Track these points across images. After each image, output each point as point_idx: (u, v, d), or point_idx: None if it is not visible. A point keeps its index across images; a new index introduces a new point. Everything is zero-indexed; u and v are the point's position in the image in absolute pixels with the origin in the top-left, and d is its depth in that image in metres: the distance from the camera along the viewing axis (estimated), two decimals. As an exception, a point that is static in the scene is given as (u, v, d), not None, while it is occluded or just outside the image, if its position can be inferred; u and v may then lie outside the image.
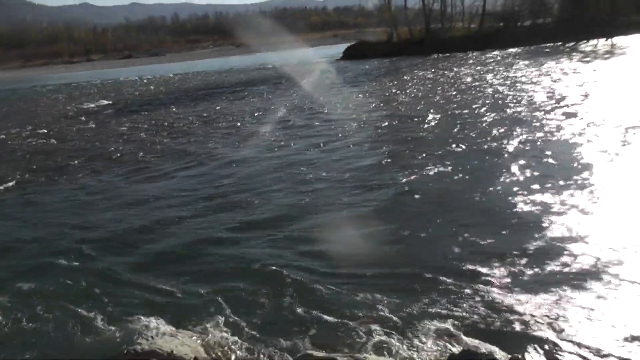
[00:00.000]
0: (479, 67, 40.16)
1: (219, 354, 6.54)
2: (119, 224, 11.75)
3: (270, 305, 7.61)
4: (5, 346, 7.06)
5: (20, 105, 45.88)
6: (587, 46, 49.28)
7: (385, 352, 6.27)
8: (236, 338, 6.86)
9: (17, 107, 44.32)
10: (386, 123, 20.49)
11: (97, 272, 9.21)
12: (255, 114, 26.70)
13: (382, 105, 25.77)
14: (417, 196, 11.59)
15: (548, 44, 54.77)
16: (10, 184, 16.43)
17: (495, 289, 7.39)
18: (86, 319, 7.59)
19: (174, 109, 32.52)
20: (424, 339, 6.44)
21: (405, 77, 38.13)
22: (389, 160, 14.94)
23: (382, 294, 7.58)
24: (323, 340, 6.67)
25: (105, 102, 41.64)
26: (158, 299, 8.09)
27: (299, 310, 7.41)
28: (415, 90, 29.99)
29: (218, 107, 31.13)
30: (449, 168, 13.42)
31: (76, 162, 18.82)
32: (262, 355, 6.47)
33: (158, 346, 6.12)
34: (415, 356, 6.16)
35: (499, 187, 11.58)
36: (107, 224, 11.84)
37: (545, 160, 13.23)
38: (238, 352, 6.60)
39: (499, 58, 46.90)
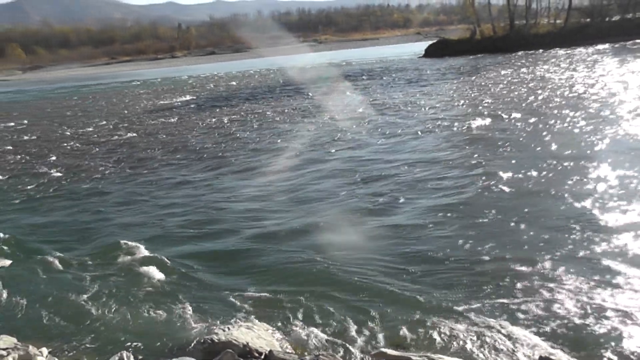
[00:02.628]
0: (563, 65, 38.65)
1: (294, 348, 6.50)
2: (195, 215, 12.02)
3: (345, 303, 7.54)
4: (86, 333, 7.25)
5: (106, 100, 47.89)
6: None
7: (460, 354, 6.12)
8: (311, 333, 6.84)
9: (103, 102, 46.28)
10: (467, 121, 19.99)
11: (175, 264, 9.41)
12: (334, 110, 26.67)
13: (462, 103, 25.21)
14: (496, 196, 11.31)
15: (638, 41, 51.97)
16: (95, 175, 17.10)
17: (576, 295, 7.11)
18: (164, 308, 7.77)
19: (254, 104, 33.02)
20: (502, 342, 6.25)
21: (487, 75, 37.20)
22: (469, 159, 14.59)
23: (460, 293, 7.46)
24: (398, 339, 6.58)
25: (188, 97, 42.81)
26: (234, 291, 8.16)
27: (374, 307, 7.32)
28: (496, 89, 29.14)
29: (297, 103, 31.35)
30: (530, 169, 12.95)
31: (158, 154, 19.40)
32: (337, 351, 6.40)
33: (234, 337, 6.15)
34: (491, 360, 5.97)
35: (581, 190, 11.04)
36: (183, 216, 12.14)
37: (630, 165, 12.47)
38: (313, 347, 6.56)
39: (585, 55, 45.00)
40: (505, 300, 7.15)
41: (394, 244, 9.34)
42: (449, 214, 10.49)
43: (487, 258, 8.44)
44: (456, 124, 19.80)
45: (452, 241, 9.22)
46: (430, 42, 75.84)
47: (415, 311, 7.11)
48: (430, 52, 69.67)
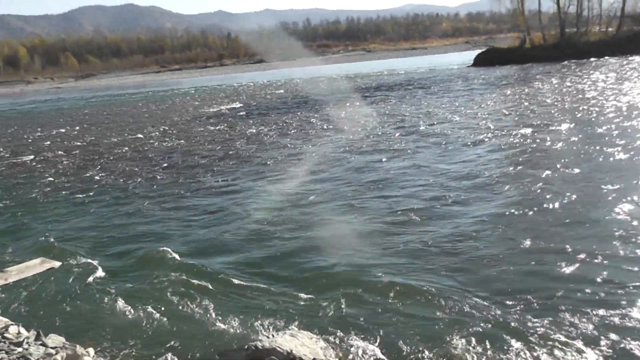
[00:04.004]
0: (614, 75, 37.68)
1: (337, 357, 6.47)
2: (240, 222, 12.15)
3: (394, 313, 7.46)
4: (131, 336, 7.38)
5: (156, 107, 48.92)
6: None
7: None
8: (356, 343, 6.79)
9: (153, 108, 47.30)
10: (516, 131, 19.64)
11: (219, 270, 9.49)
12: (380, 120, 26.65)
13: (511, 113, 24.77)
14: (539, 209, 11.03)
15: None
16: (142, 180, 17.46)
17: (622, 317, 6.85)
18: (208, 314, 7.84)
19: (302, 113, 33.22)
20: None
21: (536, 85, 36.56)
22: (519, 170, 14.32)
23: (517, 307, 7.30)
24: (444, 351, 6.47)
25: (236, 104, 43.39)
26: (278, 298, 8.18)
27: (423, 319, 7.23)
28: (546, 99, 28.55)
29: (342, 112, 31.40)
30: (584, 181, 12.64)
31: (205, 161, 19.70)
32: (381, 362, 6.32)
33: (278, 344, 6.15)
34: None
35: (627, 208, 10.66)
36: (228, 222, 12.26)
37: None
38: (357, 356, 6.51)
39: (638, 64, 43.67)
40: (562, 316, 6.98)
41: (442, 255, 9.22)
42: (498, 226, 10.30)
43: (532, 275, 8.25)
44: (505, 134, 19.48)
45: (503, 253, 9.04)
46: (479, 51, 75.41)
47: (462, 324, 6.99)
48: (479, 61, 69.17)
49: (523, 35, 70.76)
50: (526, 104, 27.48)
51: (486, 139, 18.90)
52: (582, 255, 8.57)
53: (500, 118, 23.61)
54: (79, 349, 6.19)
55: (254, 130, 26.96)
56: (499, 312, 7.18)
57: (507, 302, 7.43)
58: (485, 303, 7.44)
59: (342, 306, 7.75)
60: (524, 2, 71.67)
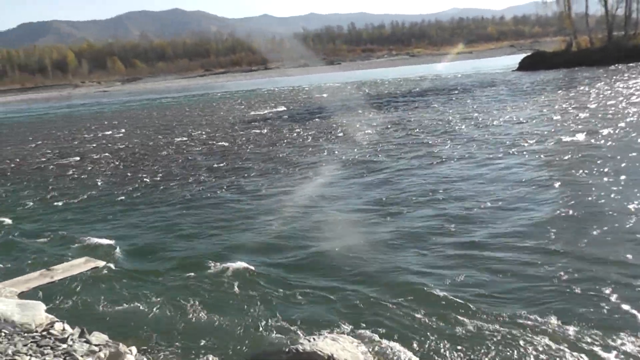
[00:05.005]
0: None
1: (378, 362, 6.42)
2: (282, 225, 12.18)
3: (437, 320, 7.35)
4: (172, 336, 7.45)
5: (200, 110, 49.60)
6: None
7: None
8: (397, 349, 6.70)
9: (197, 112, 47.96)
10: (561, 137, 19.21)
11: (261, 272, 9.53)
12: (422, 124, 26.47)
13: (556, 118, 24.22)
14: (584, 217, 10.73)
15: None
16: (187, 182, 17.70)
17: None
18: (248, 316, 7.88)
19: (344, 117, 33.16)
20: None
21: (583, 89, 35.72)
22: (563, 176, 14.02)
23: (560, 316, 7.13)
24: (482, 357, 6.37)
25: (280, 108, 43.66)
26: (319, 302, 8.17)
27: (462, 328, 7.11)
28: (593, 103, 27.85)
29: (384, 117, 31.23)
30: (630, 188, 12.24)
31: (248, 164, 19.84)
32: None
33: (319, 348, 6.14)
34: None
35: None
36: (269, 225, 12.30)
37: None
38: (397, 362, 6.44)
39: None
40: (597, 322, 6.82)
41: (485, 262, 9.07)
42: (543, 233, 10.08)
43: (582, 276, 8.10)
44: (549, 139, 19.06)
45: (545, 261, 8.84)
46: (525, 55, 74.29)
47: (502, 330, 6.88)
48: (524, 65, 68.14)
49: (569, 38, 69.35)
50: (571, 109, 26.88)
51: (530, 145, 18.54)
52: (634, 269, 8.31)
53: (545, 123, 23.13)
54: (122, 347, 6.27)
55: (297, 134, 27.07)
56: (547, 323, 7.02)
57: (555, 315, 7.24)
58: (533, 316, 7.26)
59: (384, 311, 7.69)
60: (570, 5, 70.22)
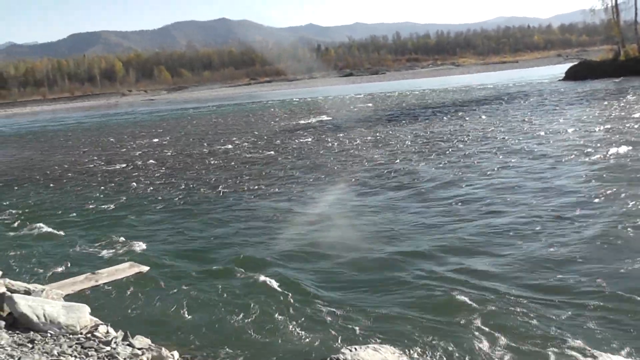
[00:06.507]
0: None
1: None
2: (324, 234, 12.21)
3: (482, 334, 7.20)
4: (214, 343, 7.50)
5: (245, 118, 50.11)
6: None
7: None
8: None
9: (242, 120, 48.46)
10: (605, 149, 18.63)
11: (303, 281, 9.55)
12: (468, 135, 26.14)
13: (604, 129, 23.50)
14: (629, 236, 10.29)
15: None
16: (229, 190, 17.85)
17: None
18: (290, 324, 7.86)
19: (391, 126, 33.08)
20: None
21: (630, 99, 34.62)
22: (613, 190, 13.48)
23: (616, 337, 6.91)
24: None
25: (324, 117, 43.74)
26: (362, 311, 8.10)
27: (510, 338, 6.97)
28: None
29: (431, 128, 30.88)
30: None
31: (292, 172, 19.93)
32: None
33: (361, 358, 6.08)
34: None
35: None
36: (312, 233, 12.35)
37: None
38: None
39: None
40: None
41: (536, 275, 8.87)
42: (596, 247, 9.82)
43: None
44: (597, 151, 18.54)
45: (601, 276, 8.59)
46: (571, 64, 72.94)
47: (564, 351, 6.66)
48: (570, 75, 66.80)
49: (617, 47, 67.75)
50: (619, 119, 26.20)
51: (577, 156, 18.10)
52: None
53: (592, 134, 22.57)
54: (164, 352, 6.34)
55: (342, 143, 27.08)
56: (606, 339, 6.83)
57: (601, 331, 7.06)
58: (583, 333, 7.10)
59: (427, 322, 7.59)
60: (619, 13, 68.59)
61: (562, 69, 77.18)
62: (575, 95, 43.15)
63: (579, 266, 9.03)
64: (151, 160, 26.36)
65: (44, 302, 6.79)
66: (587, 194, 13.35)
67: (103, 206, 16.87)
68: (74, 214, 16.17)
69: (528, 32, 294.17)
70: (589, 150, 18.93)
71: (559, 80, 66.47)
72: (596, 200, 12.78)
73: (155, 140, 36.95)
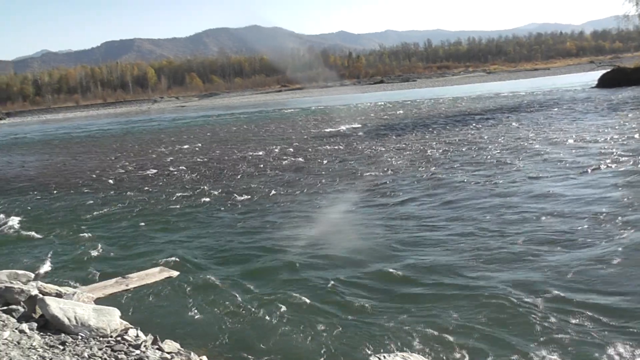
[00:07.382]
0: None
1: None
2: (354, 241, 12.20)
3: (514, 345, 7.10)
4: (244, 348, 7.52)
5: (276, 125, 50.30)
6: None
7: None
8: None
9: (273, 127, 48.66)
10: (636, 159, 18.27)
11: (333, 287, 9.55)
12: (496, 143, 25.88)
13: (632, 138, 23.02)
14: None
15: None
16: (259, 196, 17.93)
17: None
18: (320, 331, 7.89)
19: (417, 135, 32.81)
20: None
21: None
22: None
23: None
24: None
25: (355, 124, 43.68)
26: (391, 319, 8.07)
27: (538, 349, 6.89)
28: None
29: (460, 134, 30.65)
30: None
31: (322, 179, 19.93)
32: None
33: (389, 367, 6.03)
34: None
35: None
36: (340, 239, 12.39)
37: None
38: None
39: None
40: None
41: (562, 287, 8.73)
42: (626, 260, 9.61)
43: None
44: (630, 160, 18.19)
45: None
46: (604, 71, 71.77)
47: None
48: (603, 82, 65.68)
49: (652, 54, 66.71)
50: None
51: (609, 165, 17.77)
52: None
53: (625, 143, 22.13)
54: (193, 356, 6.37)
55: (372, 150, 27.00)
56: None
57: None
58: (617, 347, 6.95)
59: (456, 330, 7.54)
60: (654, 19, 67.62)
61: (594, 76, 76.07)
62: (608, 102, 42.47)
63: (610, 279, 8.86)
64: (182, 167, 26.59)
65: (75, 305, 6.88)
66: (625, 203, 13.12)
67: (133, 212, 17.09)
68: (105, 220, 16.40)
69: (560, 38, 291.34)
70: (621, 159, 18.58)
71: (592, 87, 65.57)
72: (629, 209, 12.54)
73: (187, 146, 37.27)
